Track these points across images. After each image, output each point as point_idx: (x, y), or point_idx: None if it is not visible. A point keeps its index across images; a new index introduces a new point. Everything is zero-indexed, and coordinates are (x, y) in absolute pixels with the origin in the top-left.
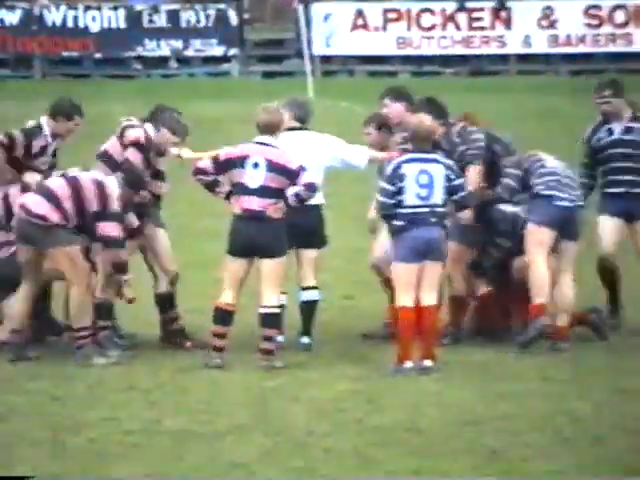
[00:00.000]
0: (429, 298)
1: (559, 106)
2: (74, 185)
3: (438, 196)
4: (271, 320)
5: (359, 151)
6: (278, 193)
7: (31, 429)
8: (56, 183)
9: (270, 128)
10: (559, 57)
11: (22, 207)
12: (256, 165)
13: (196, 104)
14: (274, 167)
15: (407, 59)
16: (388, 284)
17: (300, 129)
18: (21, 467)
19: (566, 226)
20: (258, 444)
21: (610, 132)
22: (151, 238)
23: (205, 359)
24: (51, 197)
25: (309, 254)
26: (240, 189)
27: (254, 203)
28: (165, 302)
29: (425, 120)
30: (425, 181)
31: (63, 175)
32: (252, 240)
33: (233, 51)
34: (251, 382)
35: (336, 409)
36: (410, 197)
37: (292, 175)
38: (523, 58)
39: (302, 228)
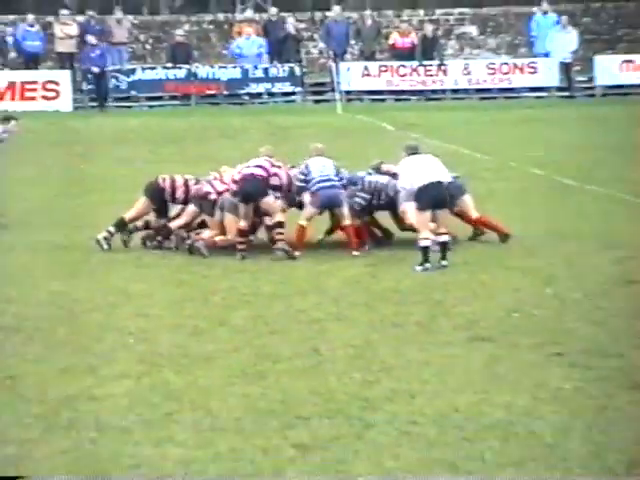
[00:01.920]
0: (348, 221)
1: (474, 117)
2: None
3: (332, 173)
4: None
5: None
6: None
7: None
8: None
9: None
10: (474, 90)
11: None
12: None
13: (279, 118)
14: None
15: (392, 92)
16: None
17: (418, 153)
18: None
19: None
20: (311, 300)
21: None
22: None
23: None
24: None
25: (442, 212)
26: None
27: None
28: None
29: (318, 144)
30: (323, 167)
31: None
32: None
33: (298, 89)
34: (309, 268)
35: (355, 281)
36: (316, 176)
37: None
38: (455, 91)
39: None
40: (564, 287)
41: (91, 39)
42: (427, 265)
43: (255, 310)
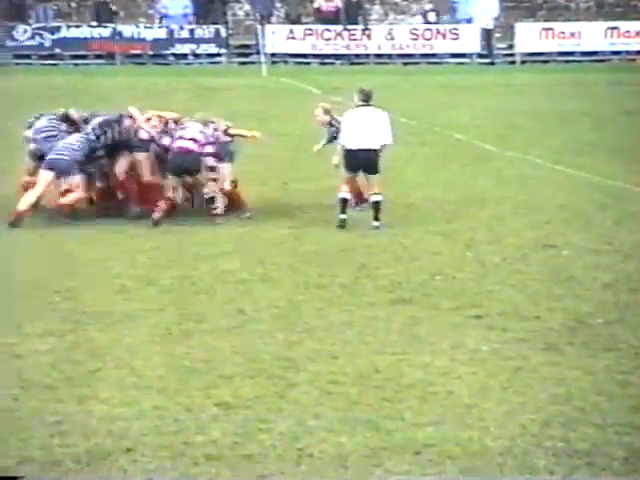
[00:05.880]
0: None
1: (398, 82)
2: None
3: None
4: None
5: (389, 133)
6: None
7: None
8: None
9: None
10: (397, 56)
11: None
12: None
13: (205, 79)
14: None
15: (316, 56)
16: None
17: (368, 105)
18: None
19: None
20: (236, 262)
21: None
22: None
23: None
24: None
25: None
26: None
27: None
28: None
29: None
30: None
31: None
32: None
33: (223, 51)
34: (233, 229)
35: (279, 242)
36: None
37: None
38: (379, 56)
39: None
40: (484, 251)
41: None
42: (341, 216)
43: (181, 270)
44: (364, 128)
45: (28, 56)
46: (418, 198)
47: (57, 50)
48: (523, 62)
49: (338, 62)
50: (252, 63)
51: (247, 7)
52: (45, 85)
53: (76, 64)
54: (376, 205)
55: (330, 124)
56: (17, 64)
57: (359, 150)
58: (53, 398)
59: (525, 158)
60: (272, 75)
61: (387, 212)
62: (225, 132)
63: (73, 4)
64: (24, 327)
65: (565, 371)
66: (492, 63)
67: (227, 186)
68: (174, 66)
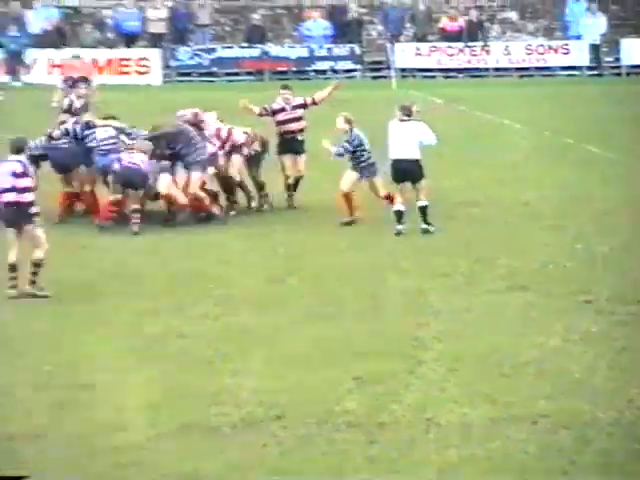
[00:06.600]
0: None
1: (514, 93)
2: None
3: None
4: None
5: (431, 134)
6: None
7: None
8: None
9: None
10: (513, 69)
11: None
12: None
13: (342, 92)
14: None
15: (441, 70)
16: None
17: (409, 120)
18: None
19: None
20: (370, 251)
21: None
22: None
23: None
24: None
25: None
26: None
27: None
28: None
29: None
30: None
31: None
32: None
33: (358, 67)
34: (360, 224)
35: (404, 236)
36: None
37: None
38: (497, 70)
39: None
40: (592, 242)
41: None
42: (397, 227)
43: (317, 261)
44: (404, 140)
45: (189, 74)
46: (532, 197)
47: (214, 69)
48: (628, 74)
49: (460, 75)
50: (384, 77)
51: (380, 28)
52: (203, 99)
53: (230, 80)
54: (422, 209)
55: (347, 133)
56: (180, 81)
57: (401, 160)
58: (210, 372)
59: (627, 160)
60: (401, 88)
61: (504, 210)
62: (314, 102)
63: (227, 28)
64: (186, 310)
65: None
66: (600, 75)
67: (197, 191)
68: (315, 81)
